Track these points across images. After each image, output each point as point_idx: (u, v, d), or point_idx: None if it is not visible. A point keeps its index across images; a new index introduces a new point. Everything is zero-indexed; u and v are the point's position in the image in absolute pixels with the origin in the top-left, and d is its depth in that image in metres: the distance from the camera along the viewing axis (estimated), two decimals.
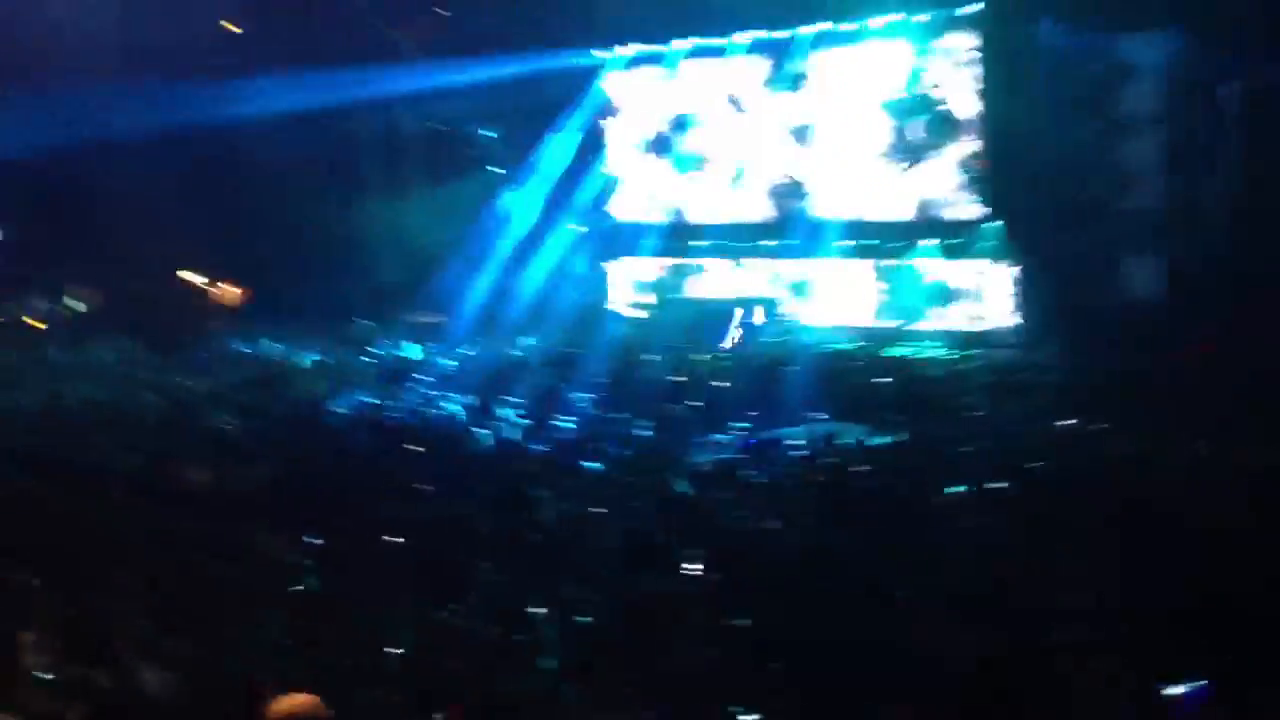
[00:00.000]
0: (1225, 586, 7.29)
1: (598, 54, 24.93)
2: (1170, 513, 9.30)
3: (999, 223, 20.30)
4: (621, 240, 25.31)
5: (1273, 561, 7.72)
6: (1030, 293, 19.82)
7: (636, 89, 25.09)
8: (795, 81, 22.94)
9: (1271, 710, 5.24)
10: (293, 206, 24.64)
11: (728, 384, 17.74)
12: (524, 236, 24.84)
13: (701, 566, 9.07)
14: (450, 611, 8.41)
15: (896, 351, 20.17)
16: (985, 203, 20.63)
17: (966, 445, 13.11)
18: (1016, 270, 20.14)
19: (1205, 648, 6.29)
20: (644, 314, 24.51)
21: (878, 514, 10.58)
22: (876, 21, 21.49)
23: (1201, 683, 4.83)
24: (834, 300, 22.53)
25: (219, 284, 26.47)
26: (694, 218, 24.72)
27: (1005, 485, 10.94)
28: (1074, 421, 13.56)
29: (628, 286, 25.32)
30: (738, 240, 23.88)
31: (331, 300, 24.41)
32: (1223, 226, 17.37)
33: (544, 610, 8.11)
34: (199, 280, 26.31)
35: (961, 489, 10.89)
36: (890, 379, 17.64)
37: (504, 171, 25.81)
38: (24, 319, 24.92)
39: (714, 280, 24.13)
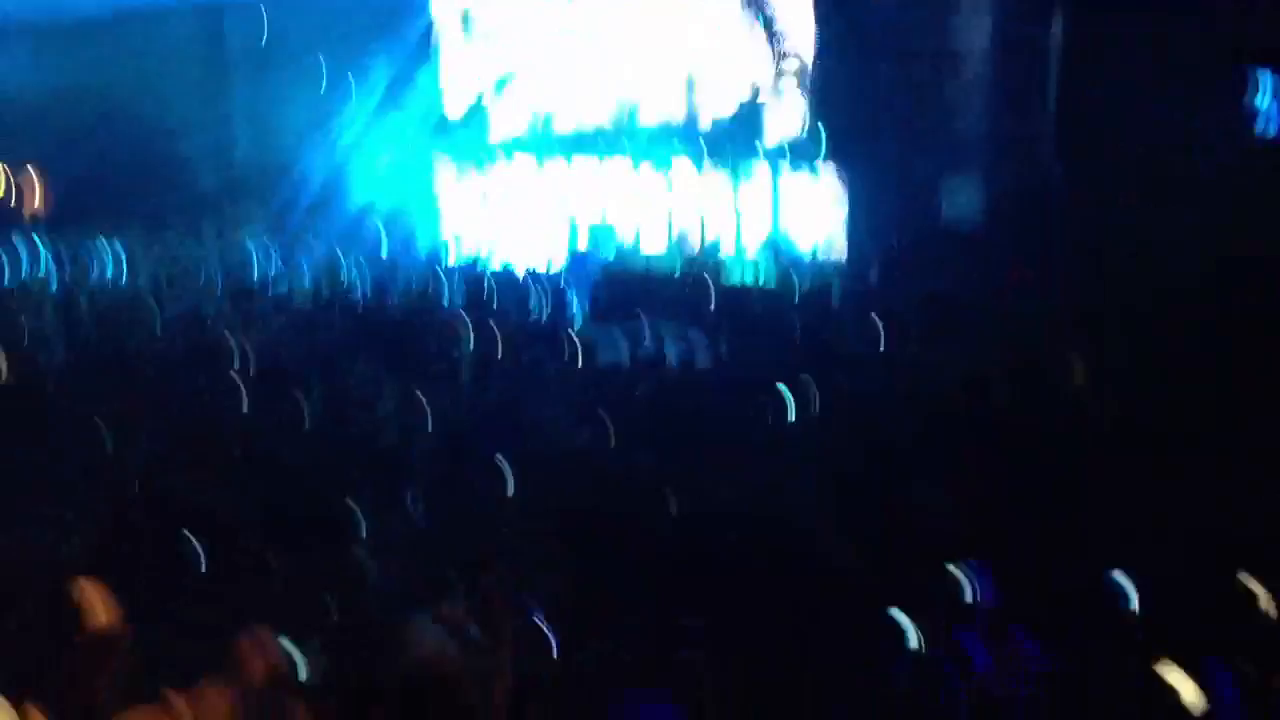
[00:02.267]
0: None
1: None
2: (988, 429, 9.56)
3: (824, 141, 20.40)
4: (455, 149, 24.73)
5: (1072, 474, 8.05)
6: (852, 214, 20.08)
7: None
8: None
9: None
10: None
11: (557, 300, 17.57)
12: (353, 148, 24.07)
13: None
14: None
15: (720, 267, 20.23)
16: (813, 120, 20.72)
17: (783, 366, 13.24)
18: (839, 191, 20.38)
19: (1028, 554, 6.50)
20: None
21: (689, 433, 10.62)
22: None
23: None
24: (662, 213, 22.43)
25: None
26: (519, 126, 24.27)
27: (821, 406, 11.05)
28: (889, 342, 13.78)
29: (457, 196, 24.74)
30: (564, 150, 23.58)
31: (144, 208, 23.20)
32: (1045, 156, 17.74)
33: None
34: None
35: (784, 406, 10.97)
36: (713, 295, 17.64)
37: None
38: None
39: (536, 191, 23.79)
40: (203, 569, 7.40)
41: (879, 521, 7.76)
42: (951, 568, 4.92)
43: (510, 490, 8.94)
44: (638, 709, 3.94)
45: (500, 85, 24.15)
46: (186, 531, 7.66)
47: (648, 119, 22.76)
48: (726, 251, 21.44)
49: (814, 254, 20.56)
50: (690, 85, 22.34)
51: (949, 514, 7.83)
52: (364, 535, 8.16)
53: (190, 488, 9.09)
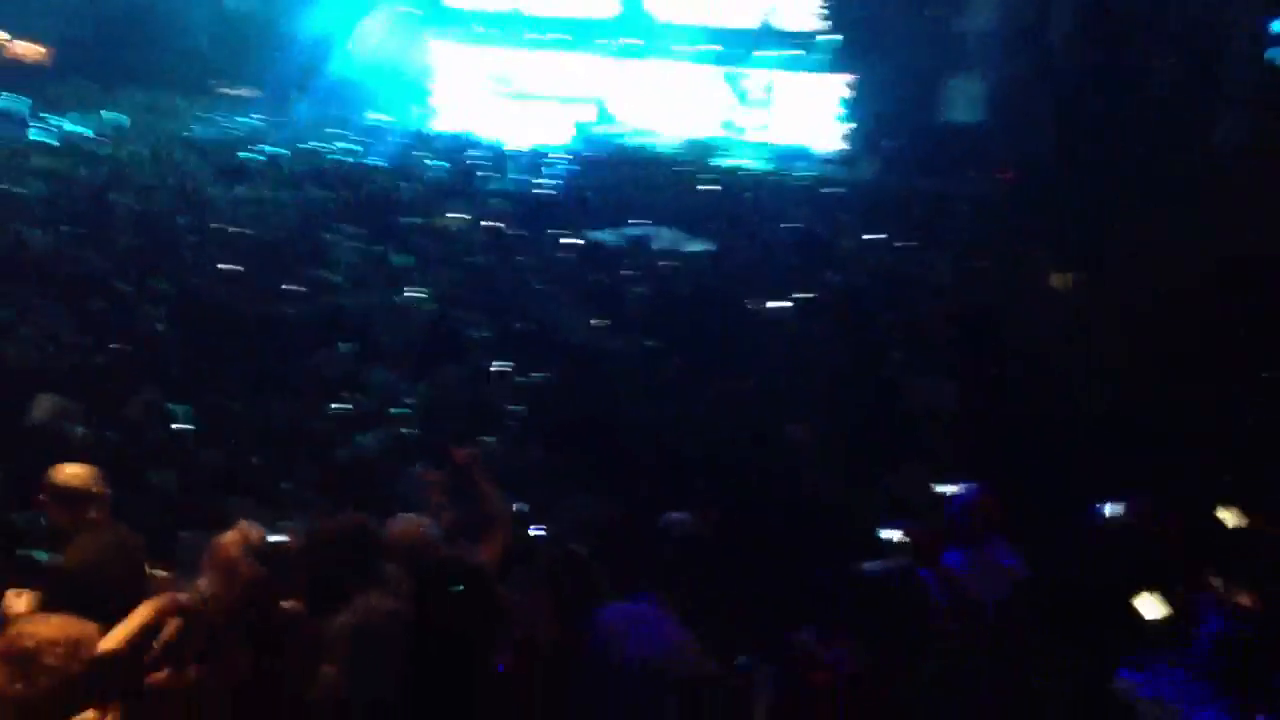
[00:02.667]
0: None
1: None
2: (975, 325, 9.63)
3: (837, 37, 20.23)
4: (451, 23, 24.31)
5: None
6: (856, 109, 19.97)
7: None
8: None
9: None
10: None
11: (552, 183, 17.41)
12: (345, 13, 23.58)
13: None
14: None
15: (721, 160, 20.10)
16: (826, 17, 20.55)
17: (779, 255, 13.24)
18: (846, 85, 20.24)
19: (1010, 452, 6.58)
20: None
21: (688, 318, 10.64)
22: None
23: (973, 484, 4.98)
24: (666, 104, 22.24)
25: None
26: (531, 7, 23.95)
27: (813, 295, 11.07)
28: (882, 236, 13.77)
29: (457, 72, 24.37)
30: (575, 34, 23.28)
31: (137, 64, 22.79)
32: (1046, 56, 17.55)
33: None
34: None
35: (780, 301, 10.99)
36: (712, 187, 17.54)
37: None
38: None
39: (547, 74, 23.45)
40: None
41: (865, 416, 7.87)
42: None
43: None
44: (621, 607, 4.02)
45: None
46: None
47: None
48: (729, 141, 21.36)
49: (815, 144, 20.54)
50: None
51: (934, 414, 7.93)
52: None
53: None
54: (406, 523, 4.45)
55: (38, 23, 23.22)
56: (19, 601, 4.16)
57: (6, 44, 23.85)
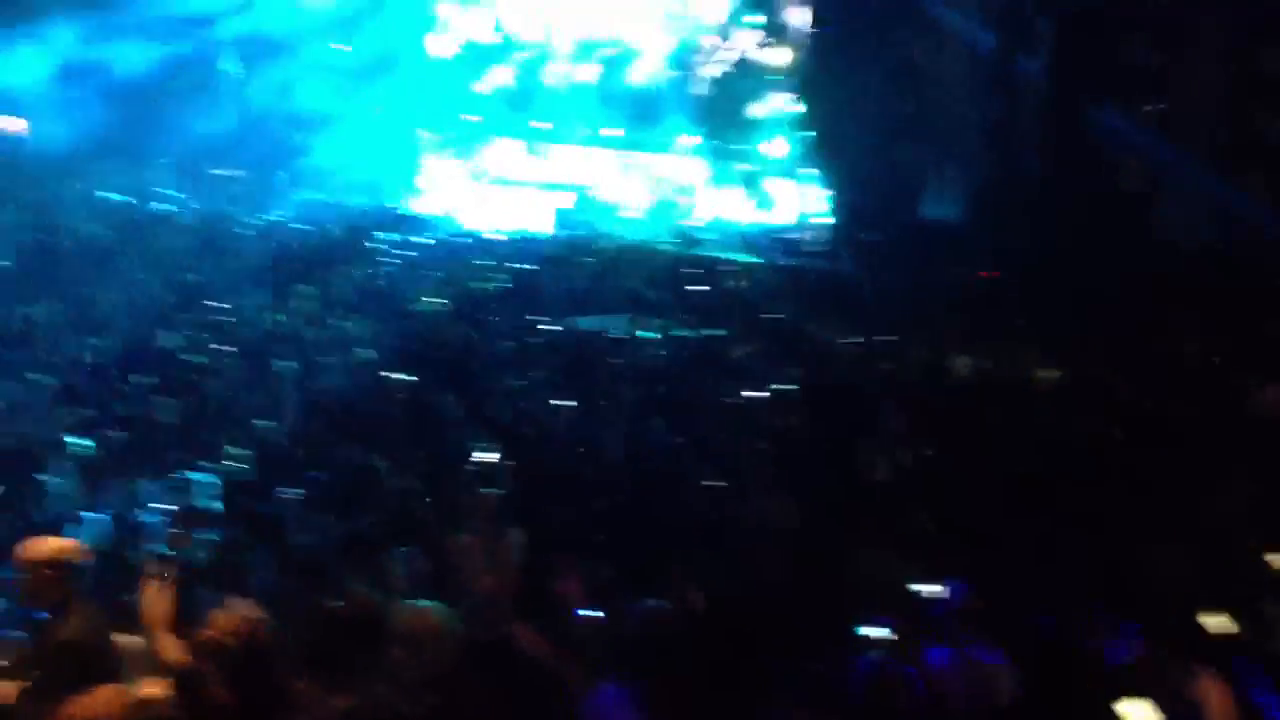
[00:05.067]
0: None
1: None
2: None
3: (813, 131, 20.52)
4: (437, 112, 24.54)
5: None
6: (838, 202, 20.17)
7: None
8: None
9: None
10: None
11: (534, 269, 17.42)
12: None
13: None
14: None
15: (702, 250, 20.18)
16: (803, 111, 20.89)
17: (760, 346, 13.27)
18: (826, 179, 20.47)
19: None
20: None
21: (671, 404, 10.68)
22: None
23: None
24: (649, 191, 22.54)
25: None
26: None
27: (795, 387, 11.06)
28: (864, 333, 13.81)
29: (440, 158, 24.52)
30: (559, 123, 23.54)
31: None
32: (1026, 153, 17.78)
33: None
34: None
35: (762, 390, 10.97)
36: (694, 278, 17.61)
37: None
38: None
39: (529, 163, 23.65)
40: None
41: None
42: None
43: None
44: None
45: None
46: None
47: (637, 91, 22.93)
48: (710, 228, 21.54)
49: (796, 236, 20.67)
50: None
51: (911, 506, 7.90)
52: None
53: None
54: (416, 610, 4.34)
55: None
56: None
57: None
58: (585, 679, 3.87)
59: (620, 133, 23.22)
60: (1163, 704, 4.15)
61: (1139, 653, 4.55)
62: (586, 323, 14.62)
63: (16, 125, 23.34)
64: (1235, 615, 4.77)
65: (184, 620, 4.49)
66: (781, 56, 21.56)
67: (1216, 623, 4.39)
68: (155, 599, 4.52)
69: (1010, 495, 7.88)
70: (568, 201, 22.47)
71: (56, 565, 4.70)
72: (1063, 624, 4.96)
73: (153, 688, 3.95)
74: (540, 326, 13.81)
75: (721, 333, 14.13)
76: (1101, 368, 11.39)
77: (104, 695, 3.72)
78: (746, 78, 22.44)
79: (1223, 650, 4.59)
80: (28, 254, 15.37)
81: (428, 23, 24.15)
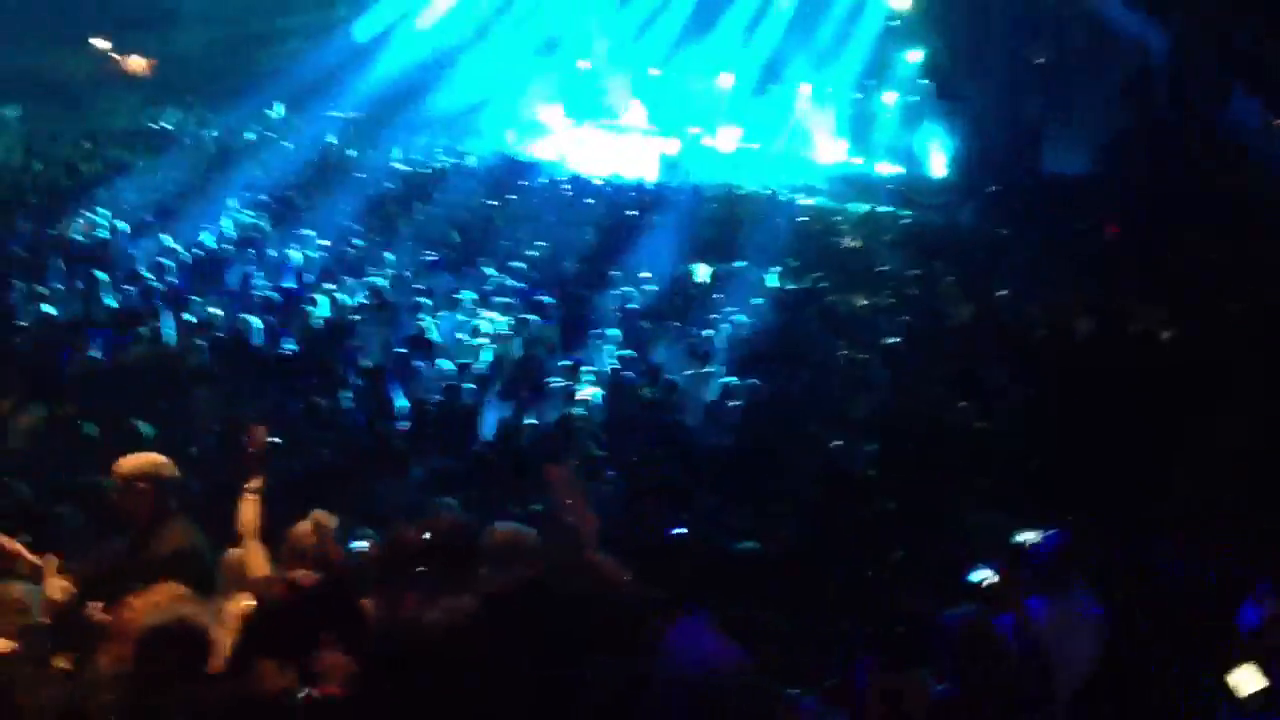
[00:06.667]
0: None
1: None
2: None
3: (936, 80, 20.09)
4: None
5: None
6: (960, 152, 19.77)
7: None
8: None
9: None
10: None
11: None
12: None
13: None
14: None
15: (819, 201, 19.93)
16: (926, 59, 20.47)
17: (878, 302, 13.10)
18: (950, 127, 20.07)
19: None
20: None
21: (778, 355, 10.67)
22: None
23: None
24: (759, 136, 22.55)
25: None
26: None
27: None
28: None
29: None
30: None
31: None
32: (1157, 109, 17.17)
33: None
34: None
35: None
36: (809, 228, 17.40)
37: None
38: None
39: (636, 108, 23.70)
40: None
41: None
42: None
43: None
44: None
45: None
46: None
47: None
48: (826, 176, 21.31)
49: (912, 189, 20.30)
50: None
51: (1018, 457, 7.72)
52: None
53: None
54: (507, 528, 4.33)
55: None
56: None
57: (117, 59, 24.77)
58: (668, 608, 3.82)
59: (732, 77, 22.98)
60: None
61: (1269, 615, 4.31)
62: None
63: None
64: None
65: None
66: (904, 2, 21.03)
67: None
68: (248, 510, 4.59)
69: (1132, 451, 7.63)
70: (672, 148, 22.38)
71: (148, 479, 4.77)
72: (1189, 579, 4.79)
73: (240, 601, 3.99)
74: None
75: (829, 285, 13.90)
76: (1220, 326, 10.95)
77: (158, 597, 3.76)
78: (868, 23, 22.04)
79: None
80: None
81: None
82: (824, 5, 22.05)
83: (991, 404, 8.93)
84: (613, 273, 13.92)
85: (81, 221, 13.89)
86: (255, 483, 4.69)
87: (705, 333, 11.77)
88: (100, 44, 24.93)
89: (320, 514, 4.34)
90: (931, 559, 5.43)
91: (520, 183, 19.11)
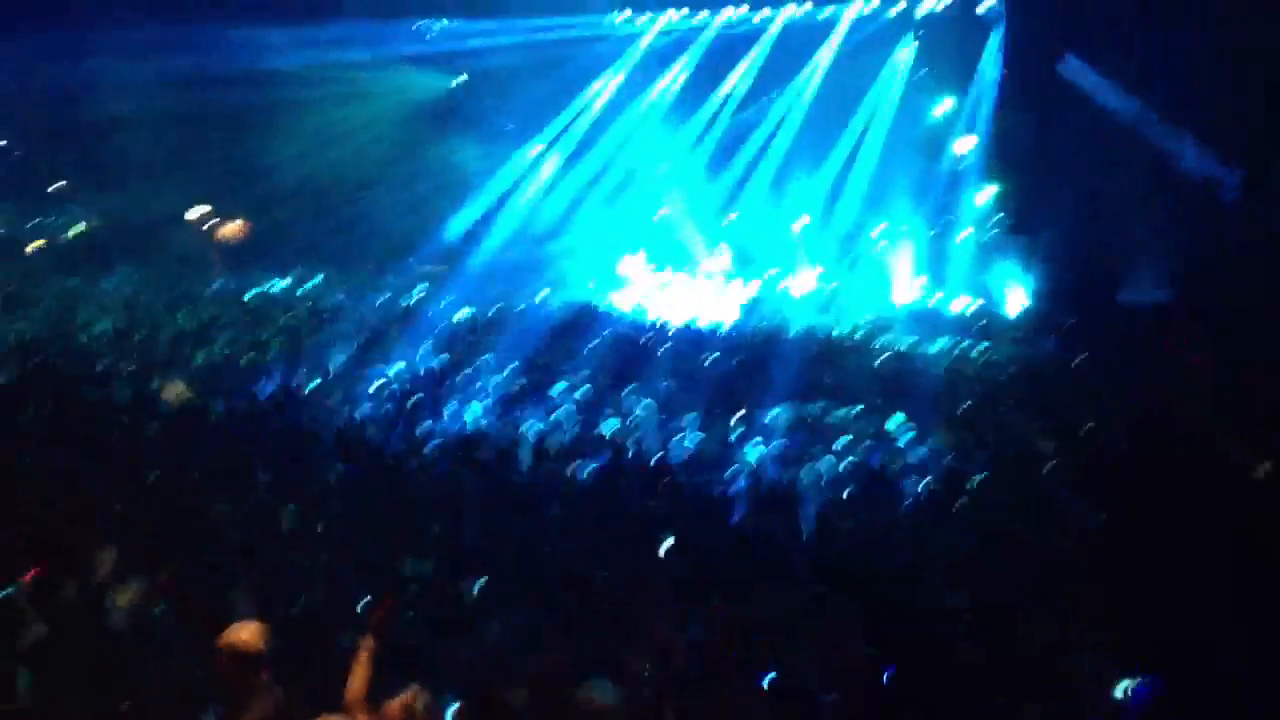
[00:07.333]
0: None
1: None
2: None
3: (1012, 213, 20.34)
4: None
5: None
6: (1040, 286, 19.86)
7: None
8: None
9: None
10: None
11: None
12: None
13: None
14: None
15: (902, 341, 19.96)
16: (1000, 195, 20.75)
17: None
18: (1027, 262, 20.20)
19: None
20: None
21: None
22: None
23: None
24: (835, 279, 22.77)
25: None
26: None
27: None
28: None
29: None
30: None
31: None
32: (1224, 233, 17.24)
33: None
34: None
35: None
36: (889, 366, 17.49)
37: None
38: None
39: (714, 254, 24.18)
40: None
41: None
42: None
43: None
44: None
45: None
46: None
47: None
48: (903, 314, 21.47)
49: (991, 323, 20.34)
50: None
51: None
52: None
53: None
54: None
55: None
56: None
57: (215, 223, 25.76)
58: None
59: (806, 219, 23.41)
60: None
61: None
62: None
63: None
64: None
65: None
66: (975, 141, 21.44)
67: None
68: (359, 676, 4.79)
69: (1221, 586, 7.58)
70: (750, 292, 22.74)
71: (238, 654, 5.02)
72: None
73: None
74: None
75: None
76: None
77: None
78: (940, 161, 22.46)
79: None
80: None
81: None
82: (899, 146, 22.52)
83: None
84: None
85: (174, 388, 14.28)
86: (370, 648, 4.88)
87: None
88: (199, 211, 26.03)
89: (416, 691, 4.53)
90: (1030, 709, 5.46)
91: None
